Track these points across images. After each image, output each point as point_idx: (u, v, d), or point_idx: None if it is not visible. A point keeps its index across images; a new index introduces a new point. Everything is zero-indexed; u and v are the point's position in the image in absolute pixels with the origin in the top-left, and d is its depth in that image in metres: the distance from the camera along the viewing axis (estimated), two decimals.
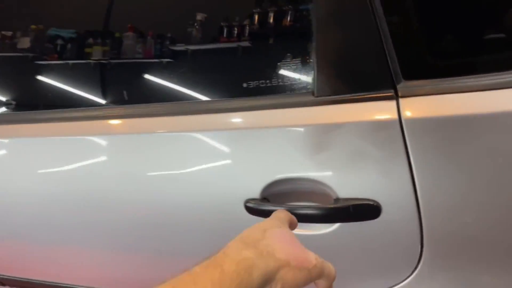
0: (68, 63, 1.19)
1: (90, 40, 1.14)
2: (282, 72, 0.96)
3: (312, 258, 0.55)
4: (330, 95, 0.89)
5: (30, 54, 1.27)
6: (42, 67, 1.24)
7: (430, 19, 0.86)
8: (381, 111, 0.86)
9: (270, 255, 0.52)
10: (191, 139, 1.00)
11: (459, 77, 0.82)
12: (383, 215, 0.89)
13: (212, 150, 0.98)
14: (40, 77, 1.21)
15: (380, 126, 0.85)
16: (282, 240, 0.55)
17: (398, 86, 0.85)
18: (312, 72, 0.91)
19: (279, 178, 0.94)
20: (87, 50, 1.14)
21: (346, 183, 0.90)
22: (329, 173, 0.90)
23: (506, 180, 0.81)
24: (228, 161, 0.98)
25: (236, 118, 0.97)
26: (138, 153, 1.06)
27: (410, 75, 0.85)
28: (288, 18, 0.98)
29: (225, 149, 0.98)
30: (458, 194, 0.85)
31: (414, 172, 0.85)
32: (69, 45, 1.18)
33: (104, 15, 1.18)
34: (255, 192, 0.96)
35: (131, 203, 1.08)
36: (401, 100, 0.84)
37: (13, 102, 1.21)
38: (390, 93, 0.85)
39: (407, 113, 0.83)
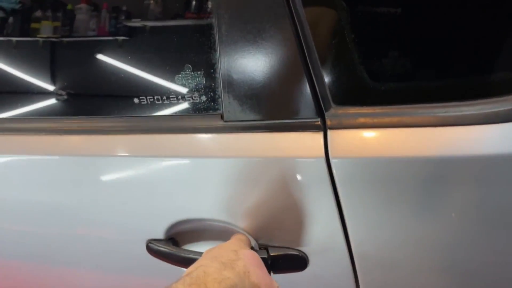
0: (11, 41, 0.93)
1: (38, 13, 0.89)
2: (182, 86, 0.73)
3: (275, 285, 0.59)
4: (242, 121, 0.69)
5: None
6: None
7: (369, 32, 0.64)
8: (304, 145, 0.66)
9: (246, 276, 0.55)
10: (72, 163, 0.79)
11: (404, 106, 0.61)
12: (310, 268, 0.72)
13: (103, 180, 0.78)
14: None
15: (303, 164, 0.66)
16: (254, 263, 0.58)
17: (327, 114, 0.64)
18: (219, 90, 0.69)
19: (185, 218, 0.76)
20: (34, 25, 0.89)
21: (263, 228, 0.72)
22: (242, 216, 0.72)
23: (435, 230, 0.65)
24: (126, 194, 0.78)
25: (133, 142, 0.76)
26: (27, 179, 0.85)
27: (343, 100, 0.64)
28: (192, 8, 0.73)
29: (119, 179, 0.78)
30: (395, 243, 0.68)
31: (346, 219, 0.67)
32: (11, 19, 0.93)
33: None
34: (159, 232, 0.78)
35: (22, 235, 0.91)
36: (329, 132, 0.64)
37: None
38: (316, 121, 0.65)
39: (336, 150, 0.63)
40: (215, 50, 0.68)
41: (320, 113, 0.65)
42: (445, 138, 0.58)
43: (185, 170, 0.73)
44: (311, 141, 0.65)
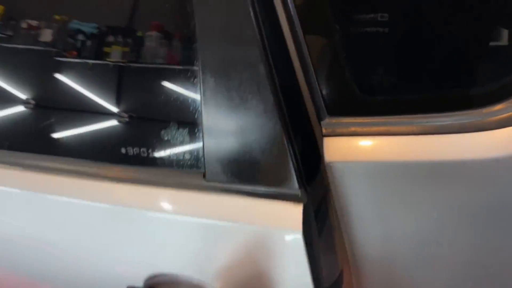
0: (87, 63, 0.96)
1: (111, 38, 0.92)
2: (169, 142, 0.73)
3: None
4: (224, 182, 0.68)
5: (52, 49, 1.05)
6: (62, 64, 1.02)
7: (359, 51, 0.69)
8: (283, 216, 0.66)
9: None
10: (56, 204, 0.81)
11: (390, 116, 0.65)
12: None
13: (89, 224, 0.79)
14: (59, 76, 0.99)
15: (280, 234, 0.65)
16: None
17: (323, 123, 0.67)
18: (202, 146, 0.69)
19: (162, 272, 0.75)
20: (106, 49, 0.92)
21: None
22: (217, 277, 0.70)
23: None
24: (108, 241, 0.79)
25: (119, 190, 0.77)
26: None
27: (336, 112, 0.67)
28: None
29: (103, 225, 0.78)
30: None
31: None
32: (89, 42, 0.96)
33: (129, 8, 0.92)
34: (139, 280, 0.78)
35: None
36: (325, 140, 0.67)
37: (32, 102, 1.00)
38: (296, 193, 0.65)
39: (330, 155, 0.66)
40: (199, 112, 0.69)
41: (301, 185, 0.63)
42: (426, 145, 0.63)
43: (164, 225, 0.73)
44: (290, 213, 0.64)
